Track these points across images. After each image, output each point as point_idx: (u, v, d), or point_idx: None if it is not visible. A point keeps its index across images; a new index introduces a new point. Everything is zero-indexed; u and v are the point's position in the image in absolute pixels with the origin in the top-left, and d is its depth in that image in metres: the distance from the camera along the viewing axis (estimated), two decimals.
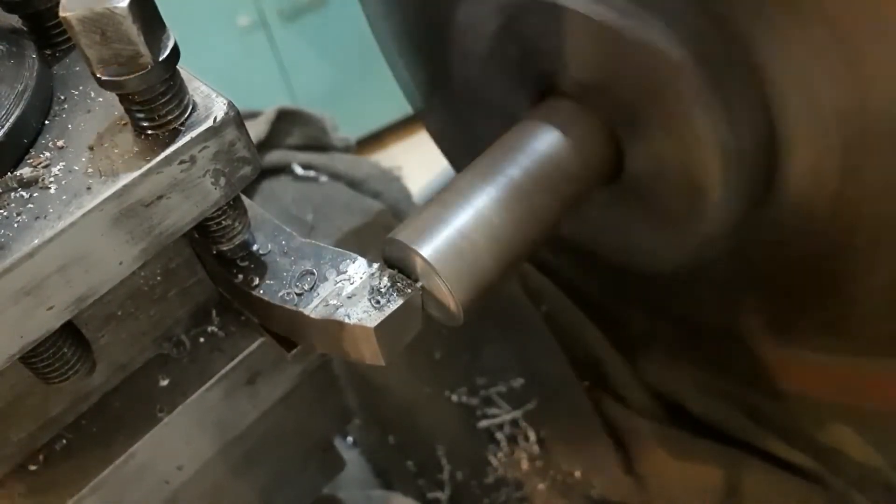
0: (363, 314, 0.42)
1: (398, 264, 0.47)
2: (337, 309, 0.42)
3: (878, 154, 0.44)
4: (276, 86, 2.23)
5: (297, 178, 1.12)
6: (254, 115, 1.16)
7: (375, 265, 0.44)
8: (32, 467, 0.45)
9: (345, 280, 0.44)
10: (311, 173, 1.12)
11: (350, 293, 0.43)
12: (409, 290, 0.42)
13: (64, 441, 0.46)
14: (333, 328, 0.43)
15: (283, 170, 1.12)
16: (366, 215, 1.07)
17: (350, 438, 0.88)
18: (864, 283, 0.52)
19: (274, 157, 1.11)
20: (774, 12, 0.42)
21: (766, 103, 0.46)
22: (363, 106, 2.26)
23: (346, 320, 0.42)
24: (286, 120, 1.13)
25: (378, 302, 0.42)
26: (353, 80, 2.17)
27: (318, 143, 1.16)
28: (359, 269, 0.44)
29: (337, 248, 0.45)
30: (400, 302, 0.42)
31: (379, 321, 0.41)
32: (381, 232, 1.05)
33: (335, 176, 1.13)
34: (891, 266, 0.49)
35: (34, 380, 0.42)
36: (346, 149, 1.19)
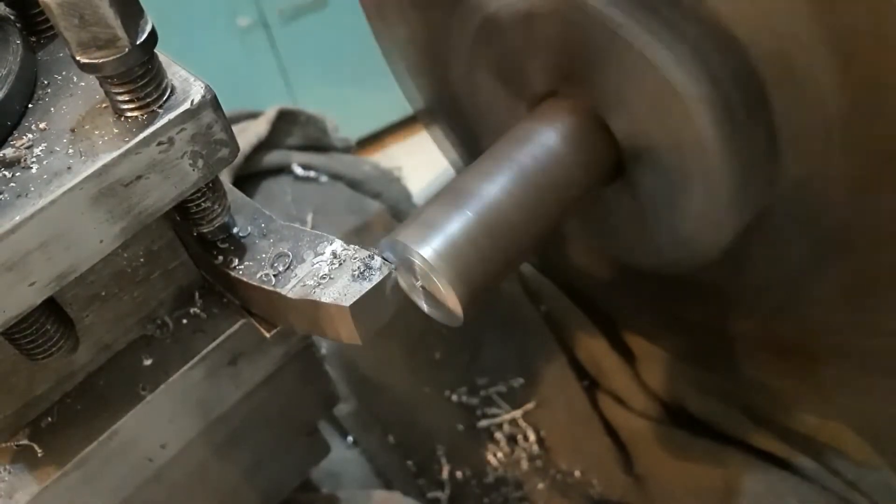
0: (338, 294, 0.43)
1: (398, 264, 0.48)
2: (313, 289, 0.43)
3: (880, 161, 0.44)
4: (276, 86, 2.24)
5: (297, 178, 1.13)
6: (254, 115, 1.17)
7: (352, 247, 0.45)
8: (17, 444, 0.46)
9: (321, 261, 0.45)
10: (311, 173, 1.13)
11: (326, 273, 0.44)
12: (384, 271, 0.43)
13: (49, 418, 0.47)
14: (310, 308, 0.44)
15: (283, 170, 1.13)
16: (366, 215, 1.08)
17: (350, 438, 0.89)
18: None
19: (274, 157, 1.12)
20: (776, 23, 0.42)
21: (771, 117, 0.46)
22: (363, 106, 2.27)
23: (322, 300, 0.43)
24: (286, 120, 1.14)
25: (353, 282, 0.43)
26: (353, 80, 2.18)
27: (318, 143, 1.17)
28: (335, 251, 0.45)
29: (315, 231, 0.46)
30: (375, 282, 0.43)
31: (354, 300, 0.42)
32: (381, 232, 1.05)
33: (335, 176, 1.14)
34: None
35: (19, 358, 0.43)
36: (346, 149, 1.20)
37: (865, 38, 0.39)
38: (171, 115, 0.38)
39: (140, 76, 0.37)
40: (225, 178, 0.84)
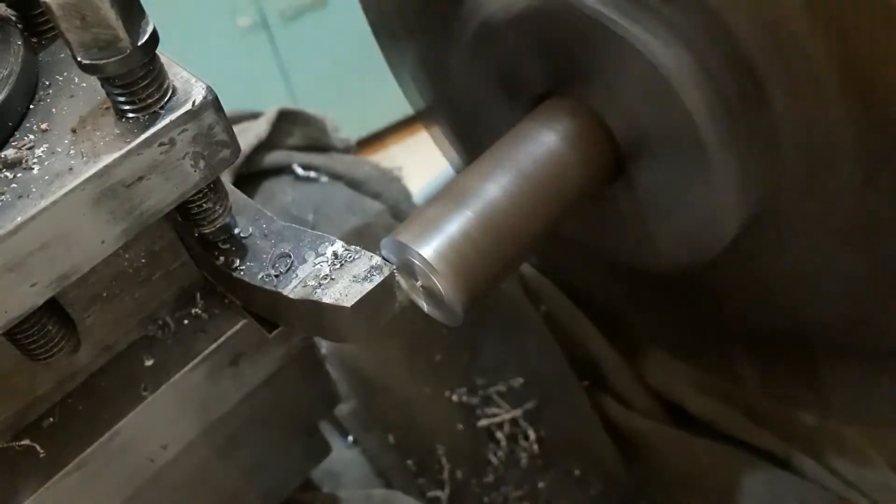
0: (339, 294, 0.43)
1: (398, 264, 0.48)
2: (314, 289, 0.44)
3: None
4: (276, 86, 2.24)
5: (297, 178, 1.12)
6: (254, 115, 1.17)
7: (353, 247, 0.45)
8: (19, 444, 0.46)
9: (323, 262, 0.45)
10: (312, 174, 1.13)
11: (327, 274, 0.44)
12: (385, 271, 0.43)
13: (51, 419, 0.47)
14: (311, 308, 0.44)
15: (283, 170, 1.13)
16: (366, 215, 1.07)
17: (350, 438, 0.89)
18: None
19: (274, 157, 1.12)
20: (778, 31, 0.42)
21: (770, 108, 0.46)
22: (363, 106, 2.27)
23: (324, 300, 0.43)
24: (286, 120, 1.13)
25: (354, 282, 0.43)
26: (353, 80, 2.17)
27: (319, 143, 1.17)
28: (336, 251, 0.45)
29: (316, 231, 0.46)
30: (376, 282, 0.43)
31: (355, 301, 0.42)
32: (381, 232, 1.05)
33: (335, 176, 1.14)
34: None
35: (21, 358, 0.43)
36: (347, 149, 1.20)
37: (857, 20, 0.39)
38: (173, 116, 0.38)
39: (141, 77, 0.37)
40: (226, 178, 0.84)
